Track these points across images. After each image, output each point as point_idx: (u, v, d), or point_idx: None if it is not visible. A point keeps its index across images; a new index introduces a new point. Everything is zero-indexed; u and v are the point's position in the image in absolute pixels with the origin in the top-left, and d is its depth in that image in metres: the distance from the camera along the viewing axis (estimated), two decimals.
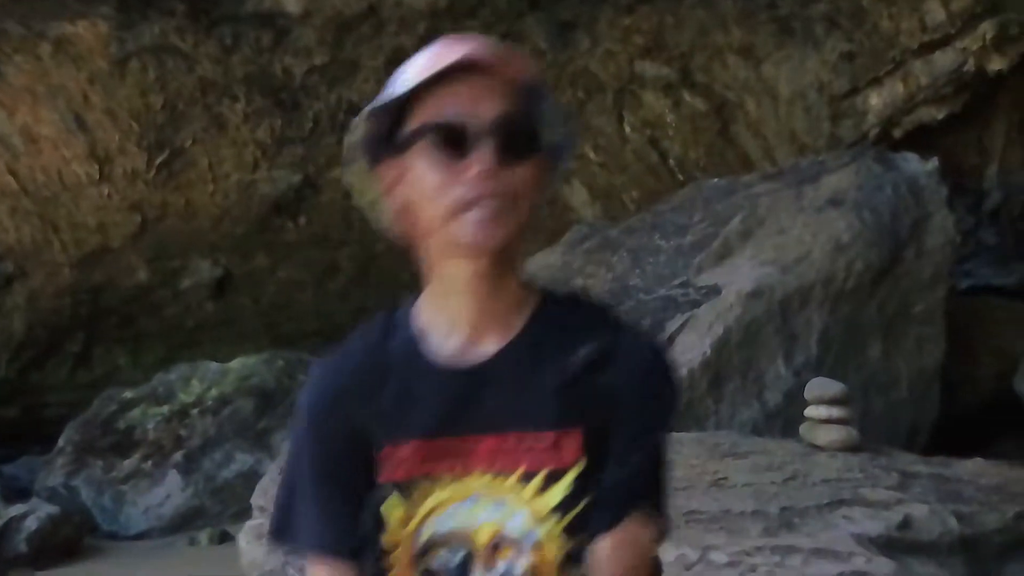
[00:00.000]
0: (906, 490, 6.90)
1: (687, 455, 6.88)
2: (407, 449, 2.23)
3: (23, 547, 10.47)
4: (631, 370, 2.23)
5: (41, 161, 12.95)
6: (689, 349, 8.64)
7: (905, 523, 6.39)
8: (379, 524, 2.24)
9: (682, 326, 8.88)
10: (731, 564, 5.74)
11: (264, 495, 8.62)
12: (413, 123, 2.16)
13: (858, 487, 6.91)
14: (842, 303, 9.73)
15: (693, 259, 10.03)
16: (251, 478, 11.00)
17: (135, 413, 12.50)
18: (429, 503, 2.23)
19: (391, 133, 2.20)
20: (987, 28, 10.69)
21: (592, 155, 11.88)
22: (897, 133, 11.76)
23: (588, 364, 2.23)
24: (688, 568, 5.83)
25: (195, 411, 12.36)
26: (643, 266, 9.82)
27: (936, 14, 10.80)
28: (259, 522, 7.47)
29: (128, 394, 12.82)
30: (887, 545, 6.14)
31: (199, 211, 13.38)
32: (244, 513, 9.96)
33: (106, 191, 12.98)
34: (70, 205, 13.18)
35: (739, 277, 9.59)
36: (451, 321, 2.25)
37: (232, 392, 12.50)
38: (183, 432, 12.25)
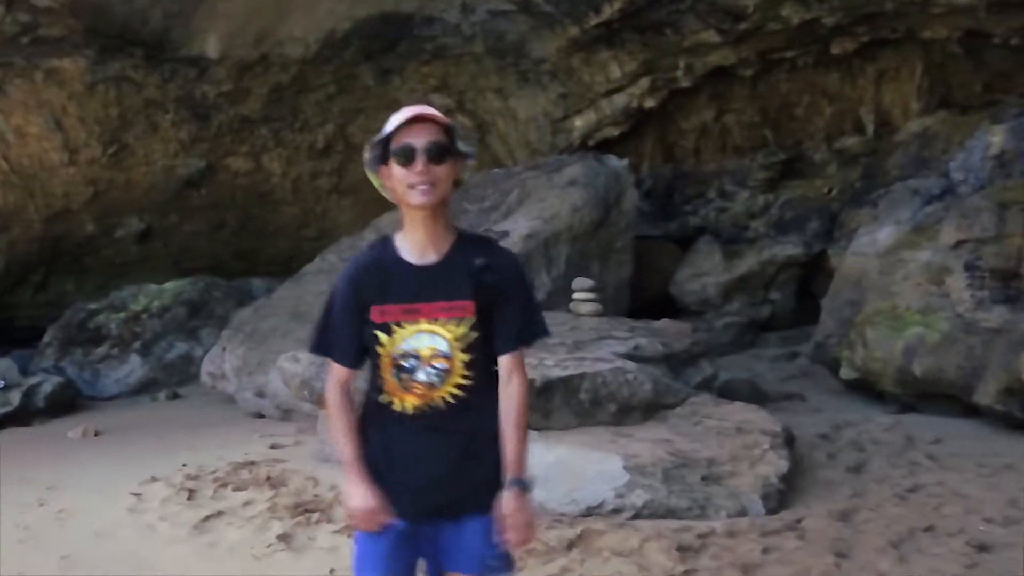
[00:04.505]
0: (634, 333, 8.88)
1: None
2: (390, 308, 3.24)
3: (41, 403, 11.72)
4: (504, 272, 3.28)
5: (28, 151, 13.78)
6: None
7: (637, 347, 8.53)
8: (375, 344, 3.28)
9: None
10: (556, 365, 7.44)
11: (211, 363, 11.04)
12: (392, 147, 3.17)
13: (610, 331, 8.90)
14: (577, 241, 11.44)
15: (490, 216, 11.79)
16: (189, 359, 13.01)
17: (100, 318, 13.62)
18: (399, 335, 3.24)
19: (384, 152, 3.22)
20: (645, 81, 12.70)
21: None
22: (591, 143, 13.83)
23: (481, 270, 3.23)
24: (533, 368, 6.97)
25: (144, 316, 13.47)
26: (459, 220, 9.68)
27: (615, 72, 12.58)
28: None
29: (92, 306, 13.88)
30: (629, 357, 8.18)
31: (135, 185, 13.94)
32: (186, 381, 12.91)
33: (72, 171, 13.59)
34: (45, 180, 13.68)
35: (519, 226, 11.26)
36: (412, 244, 3.27)
37: (170, 303, 13.44)
38: (138, 329, 13.51)
